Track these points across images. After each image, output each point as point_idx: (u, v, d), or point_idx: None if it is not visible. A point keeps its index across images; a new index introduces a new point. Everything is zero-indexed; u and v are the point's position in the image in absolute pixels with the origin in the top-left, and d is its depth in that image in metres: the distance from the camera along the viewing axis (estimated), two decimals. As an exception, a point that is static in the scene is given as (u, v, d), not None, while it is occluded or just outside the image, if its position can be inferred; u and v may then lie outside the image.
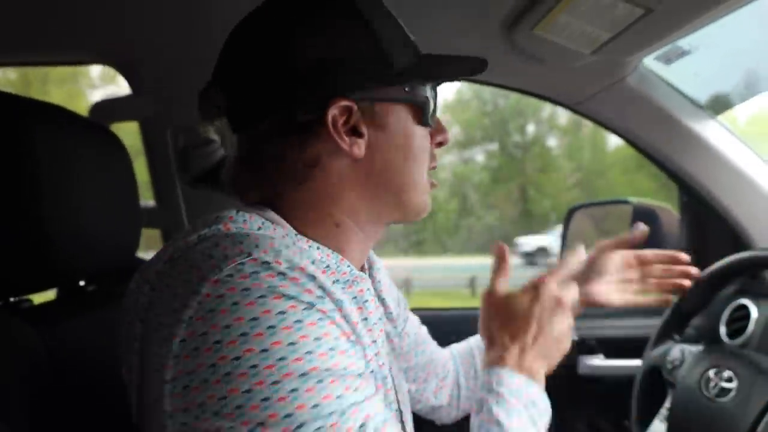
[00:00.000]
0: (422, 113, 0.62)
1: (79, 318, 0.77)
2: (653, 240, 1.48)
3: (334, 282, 0.55)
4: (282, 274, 0.48)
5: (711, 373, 1.04)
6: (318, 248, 0.59)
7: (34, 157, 0.66)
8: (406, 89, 0.60)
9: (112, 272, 0.85)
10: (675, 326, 1.23)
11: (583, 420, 1.56)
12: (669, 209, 1.51)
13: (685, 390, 1.07)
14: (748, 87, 1.40)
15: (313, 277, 0.49)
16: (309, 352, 0.46)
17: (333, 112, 0.57)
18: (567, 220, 1.63)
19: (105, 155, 0.81)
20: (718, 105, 1.33)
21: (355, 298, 0.60)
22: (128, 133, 1.33)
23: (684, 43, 1.15)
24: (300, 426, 0.44)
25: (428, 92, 0.62)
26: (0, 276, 0.67)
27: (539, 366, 0.66)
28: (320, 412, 0.45)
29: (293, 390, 0.45)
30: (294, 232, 0.59)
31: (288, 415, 0.44)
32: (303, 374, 0.45)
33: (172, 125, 1.40)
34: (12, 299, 0.73)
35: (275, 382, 0.45)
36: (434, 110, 0.64)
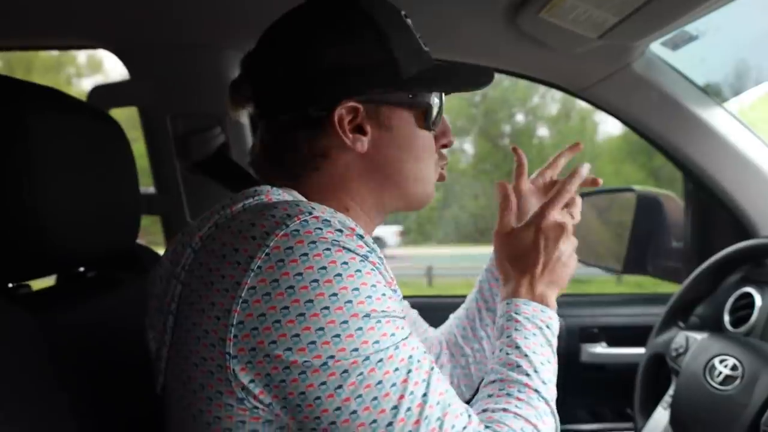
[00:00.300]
0: (425, 118, 0.69)
1: (78, 304, 0.76)
2: (657, 228, 1.48)
3: None
4: (340, 230, 0.55)
5: (716, 361, 1.04)
6: None
7: (30, 141, 0.65)
8: (411, 96, 0.67)
9: (112, 259, 0.84)
10: (680, 313, 1.23)
11: (585, 408, 1.56)
12: (673, 197, 1.50)
13: (689, 378, 1.07)
14: (738, 78, 1.39)
15: (361, 236, 0.57)
16: (369, 296, 0.54)
17: (340, 111, 0.64)
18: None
19: (104, 140, 0.80)
20: (720, 92, 1.32)
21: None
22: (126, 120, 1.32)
23: (691, 28, 1.14)
24: (366, 359, 0.52)
25: (432, 99, 0.69)
26: None
27: (551, 291, 0.74)
28: (380, 347, 0.53)
29: (359, 328, 0.52)
30: None
31: (355, 349, 0.52)
32: (366, 315, 0.53)
33: (171, 111, 1.38)
34: (10, 285, 0.72)
35: (344, 322, 0.52)
36: (438, 115, 0.71)
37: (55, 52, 1.42)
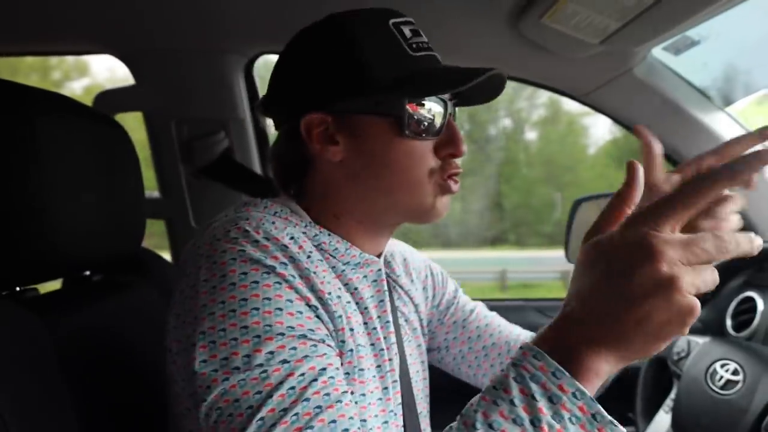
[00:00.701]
0: (399, 125, 0.66)
1: (84, 307, 0.77)
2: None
3: (344, 264, 0.69)
4: (255, 241, 0.58)
5: (717, 365, 1.04)
6: (329, 234, 0.68)
7: (37, 146, 0.66)
8: (377, 103, 0.66)
9: (118, 262, 0.85)
10: None
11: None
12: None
13: (690, 382, 1.07)
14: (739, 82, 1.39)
15: (284, 247, 0.59)
16: (256, 309, 0.54)
17: (307, 122, 0.67)
18: (573, 212, 1.62)
19: (110, 145, 0.81)
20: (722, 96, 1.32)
21: (365, 276, 0.71)
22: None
23: (693, 33, 1.14)
24: (232, 370, 0.52)
25: (404, 106, 0.65)
26: (6, 266, 0.67)
27: (606, 362, 0.45)
28: (250, 362, 0.52)
29: (233, 339, 0.53)
30: (309, 220, 0.69)
31: (224, 359, 0.53)
32: (244, 326, 0.54)
33: (176, 116, 1.39)
34: (18, 288, 0.73)
35: (222, 329, 0.54)
36: (441, 122, 0.67)
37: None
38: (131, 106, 1.39)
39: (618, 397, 1.47)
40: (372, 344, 0.68)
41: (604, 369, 0.45)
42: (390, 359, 0.69)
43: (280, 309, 0.56)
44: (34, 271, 0.70)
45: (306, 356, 0.55)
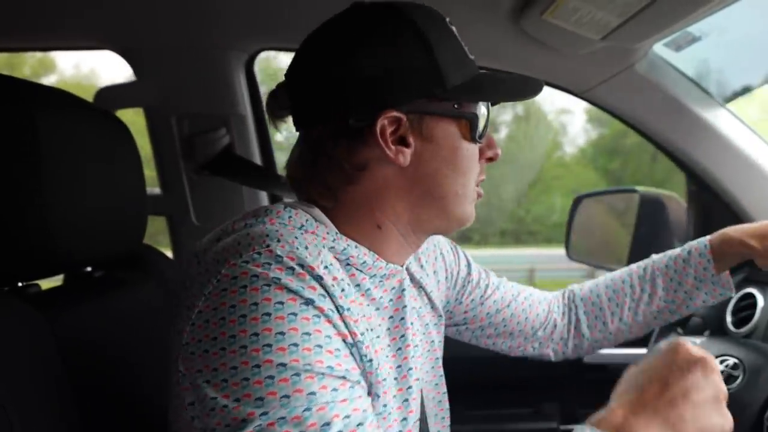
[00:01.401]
0: (470, 129, 0.65)
1: (86, 303, 0.77)
2: (660, 229, 1.48)
3: (371, 277, 0.65)
4: (291, 269, 0.52)
5: (717, 361, 1.04)
6: (356, 247, 0.64)
7: (39, 142, 0.66)
8: (456, 106, 0.64)
9: (119, 259, 0.85)
10: (678, 322, 1.23)
11: (588, 408, 1.56)
12: (676, 198, 1.50)
13: (691, 379, 1.07)
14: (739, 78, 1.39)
15: (320, 278, 0.54)
16: (294, 345, 0.50)
17: (382, 122, 0.61)
18: (573, 209, 1.62)
19: (111, 141, 0.81)
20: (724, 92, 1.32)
21: (393, 288, 0.69)
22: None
23: (695, 29, 1.14)
24: (265, 413, 0.48)
25: (478, 110, 0.65)
26: (7, 262, 0.67)
27: None
28: (288, 404, 0.48)
29: (269, 377, 0.48)
30: (335, 230, 0.63)
31: (259, 398, 0.48)
32: (282, 364, 0.49)
33: (176, 112, 1.39)
34: (20, 284, 0.73)
35: (256, 366, 0.49)
36: (485, 127, 0.67)
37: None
38: (132, 102, 1.39)
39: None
40: (397, 367, 0.67)
41: None
42: (410, 386, 0.67)
43: (320, 346, 0.51)
44: (35, 267, 0.70)
45: (347, 398, 0.51)
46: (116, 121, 0.84)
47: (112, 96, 1.37)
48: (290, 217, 0.61)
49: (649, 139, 1.38)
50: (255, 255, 0.53)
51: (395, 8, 0.63)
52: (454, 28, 0.66)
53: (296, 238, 0.56)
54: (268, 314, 0.50)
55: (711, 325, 1.26)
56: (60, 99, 0.74)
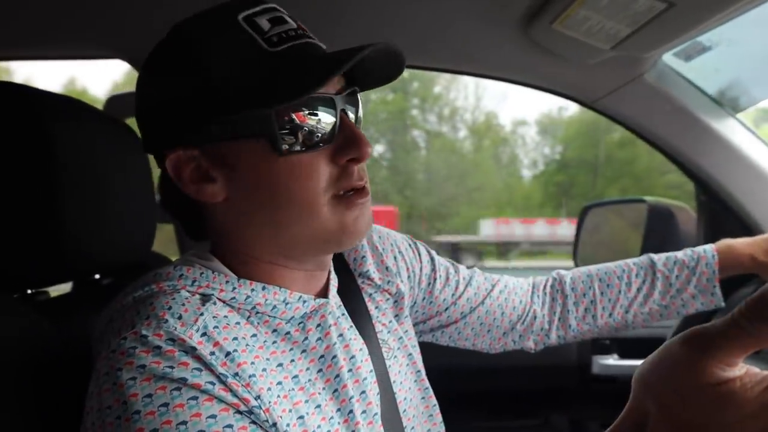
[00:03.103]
0: (272, 143, 0.55)
1: (94, 311, 0.77)
2: (670, 240, 1.47)
3: (288, 321, 0.59)
4: (157, 348, 0.49)
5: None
6: (264, 288, 0.59)
7: (53, 150, 0.66)
8: (243, 123, 0.55)
9: (128, 267, 0.85)
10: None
11: (596, 420, 1.55)
12: (686, 208, 1.50)
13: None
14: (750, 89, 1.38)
15: (193, 349, 0.49)
16: None
17: (171, 162, 0.57)
18: (581, 219, 1.62)
19: (122, 150, 0.81)
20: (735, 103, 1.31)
21: (319, 326, 0.62)
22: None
23: (704, 39, 1.14)
24: None
25: (272, 120, 0.54)
26: (18, 269, 0.67)
27: None
28: None
29: None
30: (236, 277, 0.59)
31: None
32: None
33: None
34: (29, 291, 0.73)
35: None
36: (334, 124, 0.57)
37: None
38: None
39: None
40: (337, 411, 0.60)
41: None
42: (357, 422, 0.60)
43: (202, 431, 0.47)
44: (46, 274, 0.70)
45: None
46: (126, 129, 0.84)
47: (123, 104, 1.38)
48: (181, 275, 0.57)
49: (659, 148, 1.37)
50: (121, 342, 0.50)
51: (177, 29, 0.58)
52: (259, 19, 0.56)
53: (173, 302, 0.52)
54: (138, 411, 0.46)
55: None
56: (73, 108, 0.74)
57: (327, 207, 0.58)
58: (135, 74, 0.64)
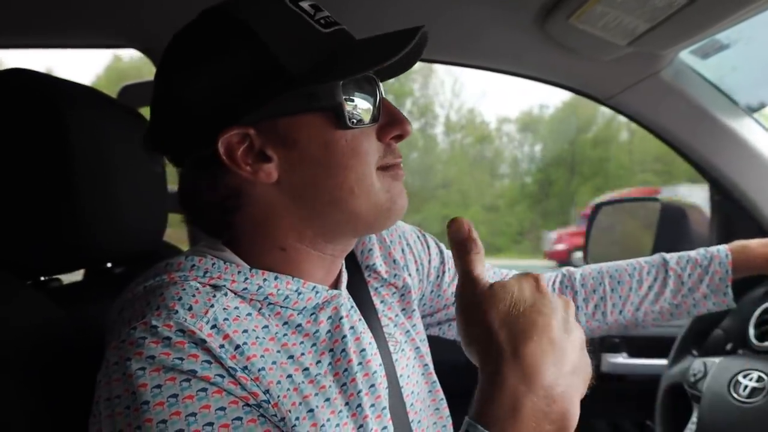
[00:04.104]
0: (338, 117, 0.56)
1: (106, 299, 0.77)
2: (682, 240, 1.46)
3: (300, 311, 0.59)
4: (167, 339, 0.49)
5: (739, 377, 1.02)
6: (276, 278, 0.59)
7: (67, 139, 0.66)
8: (309, 96, 0.55)
9: (139, 255, 0.85)
10: (693, 341, 1.22)
11: (605, 419, 1.54)
12: (699, 208, 1.48)
13: (712, 398, 1.05)
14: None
15: (202, 342, 0.49)
16: (180, 431, 0.46)
17: (225, 142, 0.55)
18: (592, 217, 1.61)
19: (136, 139, 0.81)
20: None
21: (330, 318, 0.62)
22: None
23: (722, 37, 1.12)
24: None
25: (338, 92, 0.56)
26: (32, 256, 0.67)
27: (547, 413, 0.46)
28: None
29: None
30: (248, 268, 0.58)
31: None
32: None
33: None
34: (42, 279, 0.74)
35: None
36: (377, 104, 0.59)
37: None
38: None
39: (637, 406, 1.45)
40: (345, 405, 0.59)
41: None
42: (365, 415, 0.60)
43: (211, 424, 0.47)
44: (59, 262, 0.70)
45: None
46: (140, 118, 0.84)
47: (136, 94, 1.38)
48: (193, 266, 0.56)
49: (673, 146, 1.36)
50: (130, 331, 0.49)
51: (222, 12, 0.57)
52: (304, 3, 0.58)
53: (181, 298, 0.52)
54: (147, 402, 0.46)
55: (733, 339, 1.24)
56: (88, 96, 0.74)
57: (378, 182, 0.59)
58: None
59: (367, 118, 0.58)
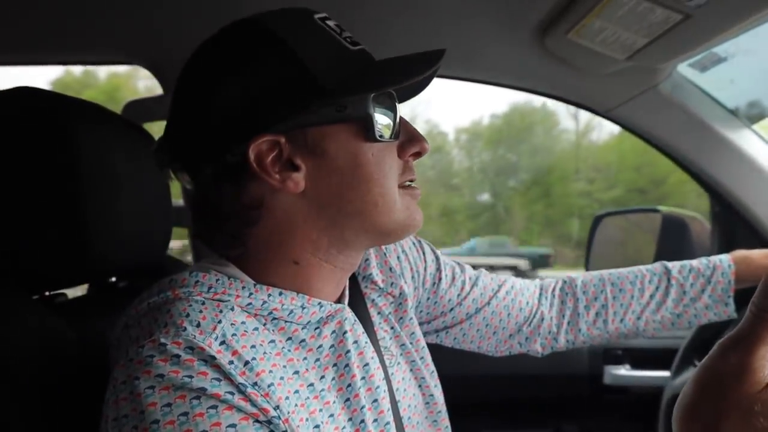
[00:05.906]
0: (366, 129, 0.57)
1: (110, 314, 0.78)
2: (683, 251, 1.46)
3: (303, 327, 0.59)
4: (176, 356, 0.48)
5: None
6: (281, 293, 0.59)
7: (72, 154, 0.67)
8: (339, 109, 0.57)
9: (144, 269, 0.86)
10: (696, 352, 1.22)
11: (607, 430, 1.54)
12: (700, 219, 1.49)
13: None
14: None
15: (212, 358, 0.49)
16: None
17: (256, 149, 0.55)
18: (593, 228, 1.61)
19: (140, 154, 0.82)
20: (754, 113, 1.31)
21: (333, 332, 0.62)
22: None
23: (720, 50, 1.13)
24: None
25: (369, 105, 0.57)
26: (38, 270, 0.68)
27: None
28: None
29: None
30: (252, 282, 0.58)
31: None
32: None
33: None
34: (47, 293, 0.74)
35: None
36: (397, 121, 0.60)
37: None
38: (159, 115, 1.41)
39: (640, 417, 1.45)
40: (348, 420, 0.60)
41: None
42: (367, 406, 0.61)
43: None
44: (64, 276, 0.71)
45: None
46: (144, 133, 0.85)
47: (141, 109, 1.39)
48: (197, 282, 0.56)
49: (673, 159, 1.37)
50: (138, 350, 0.49)
51: (253, 23, 0.58)
52: (330, 22, 0.60)
53: (190, 309, 0.52)
54: (156, 422, 0.46)
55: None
56: (94, 112, 0.75)
57: (400, 200, 0.61)
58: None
59: (388, 134, 0.59)
